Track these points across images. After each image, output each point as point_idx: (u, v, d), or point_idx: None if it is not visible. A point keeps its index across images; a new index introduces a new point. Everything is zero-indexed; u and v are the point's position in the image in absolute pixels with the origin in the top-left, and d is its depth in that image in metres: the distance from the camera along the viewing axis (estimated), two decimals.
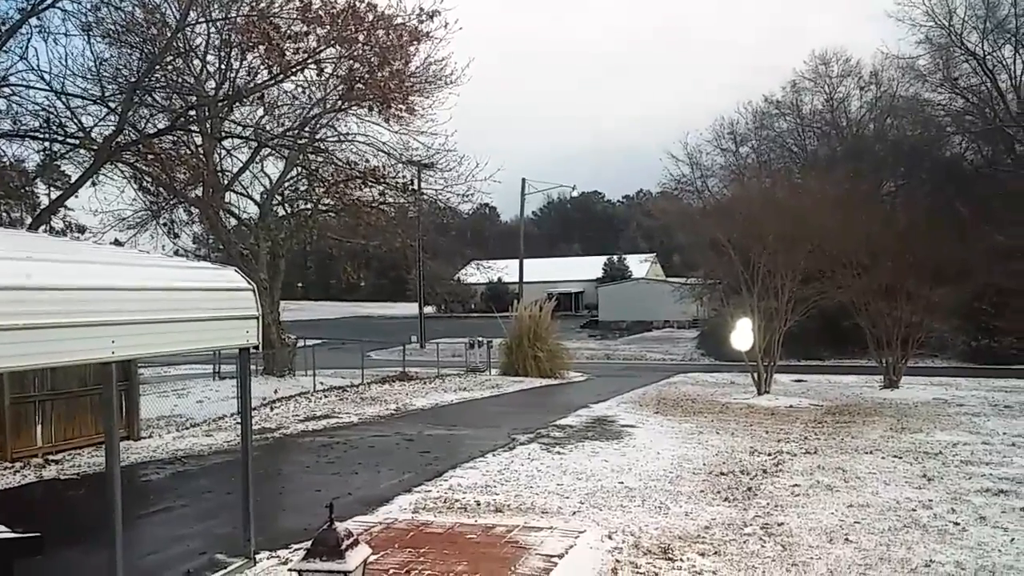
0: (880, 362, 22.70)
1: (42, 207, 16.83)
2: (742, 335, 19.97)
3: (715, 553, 7.27)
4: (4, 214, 16.27)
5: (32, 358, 5.51)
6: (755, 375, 20.85)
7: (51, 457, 12.18)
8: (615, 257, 79.07)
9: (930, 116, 38.75)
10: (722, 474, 10.79)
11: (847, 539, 7.70)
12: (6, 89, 15.18)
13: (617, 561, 6.98)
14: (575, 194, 70.53)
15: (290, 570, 5.21)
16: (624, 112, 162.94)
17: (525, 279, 47.29)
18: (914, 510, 8.76)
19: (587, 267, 77.88)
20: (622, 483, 10.21)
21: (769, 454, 12.25)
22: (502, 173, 26.27)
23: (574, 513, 8.68)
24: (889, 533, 7.88)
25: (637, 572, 6.73)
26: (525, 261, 48.46)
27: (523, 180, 46.94)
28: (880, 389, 21.74)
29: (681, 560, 7.04)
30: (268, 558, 7.05)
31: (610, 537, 7.69)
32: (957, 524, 8.17)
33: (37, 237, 11.79)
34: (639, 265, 72.79)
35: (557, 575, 6.56)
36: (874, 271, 21.13)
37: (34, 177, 17.40)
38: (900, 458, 11.79)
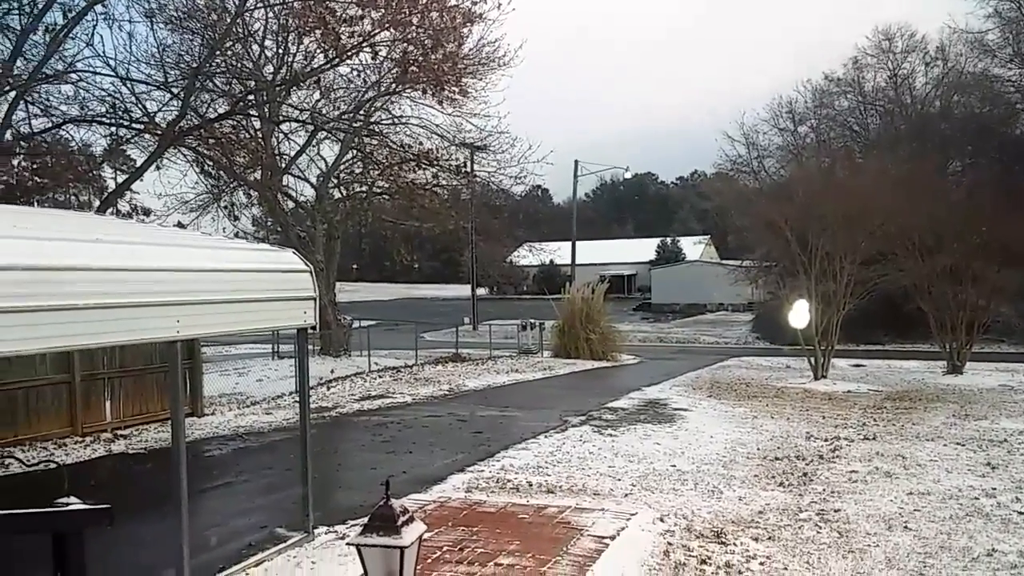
0: (943, 347, 22.10)
1: (109, 190, 17.36)
2: (799, 313, 19.63)
3: (769, 538, 7.22)
4: (73, 197, 16.85)
5: (102, 336, 5.75)
6: (812, 359, 20.48)
7: (119, 432, 12.66)
8: (668, 239, 78.25)
9: (999, 93, 37.26)
10: (777, 459, 10.67)
11: (906, 527, 7.56)
12: (74, 75, 15.65)
13: (669, 544, 6.98)
14: (628, 176, 69.80)
15: (348, 544, 5.35)
16: (679, 93, 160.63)
17: (577, 261, 47.14)
18: (977, 498, 8.55)
19: (640, 249, 77.27)
20: (674, 466, 10.18)
21: (826, 440, 12.06)
22: (555, 155, 26.21)
23: (626, 495, 8.70)
24: (950, 521, 7.71)
25: (689, 555, 6.72)
26: (577, 243, 48.30)
27: (575, 162, 46.73)
28: (943, 375, 21.18)
29: (734, 544, 7.01)
30: (326, 532, 7.24)
31: (662, 520, 7.68)
32: (1022, 513, 7.96)
33: (105, 220, 12.19)
34: (693, 247, 71.75)
35: (609, 556, 6.59)
36: (938, 253, 20.53)
37: (101, 161, 17.96)
38: (963, 445, 11.50)
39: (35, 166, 15.68)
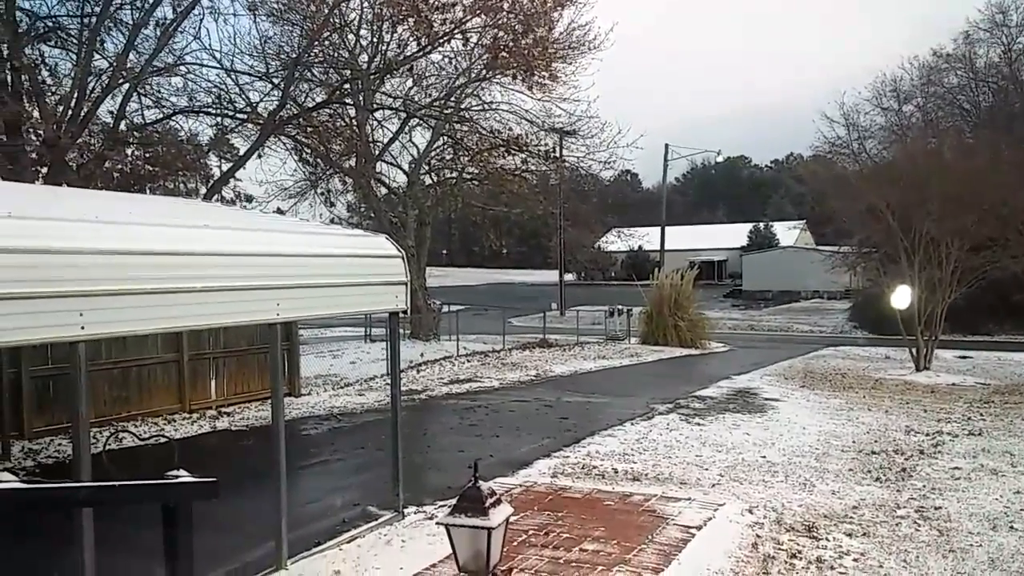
0: None
1: (215, 178, 18.17)
2: (901, 296, 18.86)
3: (864, 534, 7.02)
4: (182, 185, 17.69)
5: (208, 318, 6.08)
6: (913, 350, 19.65)
7: (223, 409, 13.32)
8: (761, 224, 76.13)
9: None
10: (874, 453, 10.32)
11: (1012, 527, 7.22)
12: (182, 68, 16.44)
13: (758, 536, 6.89)
14: (720, 159, 68.09)
15: (437, 524, 5.50)
16: (774, 73, 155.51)
17: (667, 247, 46.43)
18: None
19: (731, 235, 75.47)
20: (764, 457, 9.99)
21: (927, 434, 11.59)
22: (645, 139, 25.79)
23: (713, 485, 8.60)
24: None
25: (779, 548, 6.61)
26: (667, 229, 47.55)
27: (666, 146, 45.83)
28: None
29: (826, 539, 6.85)
30: (415, 512, 7.45)
31: (751, 511, 7.57)
32: None
33: (212, 207, 12.77)
34: (787, 232, 69.59)
35: (695, 546, 6.55)
36: None
37: (207, 150, 18.79)
38: None
39: (147, 155, 16.57)
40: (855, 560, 6.38)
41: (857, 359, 22.73)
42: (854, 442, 10.98)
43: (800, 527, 7.17)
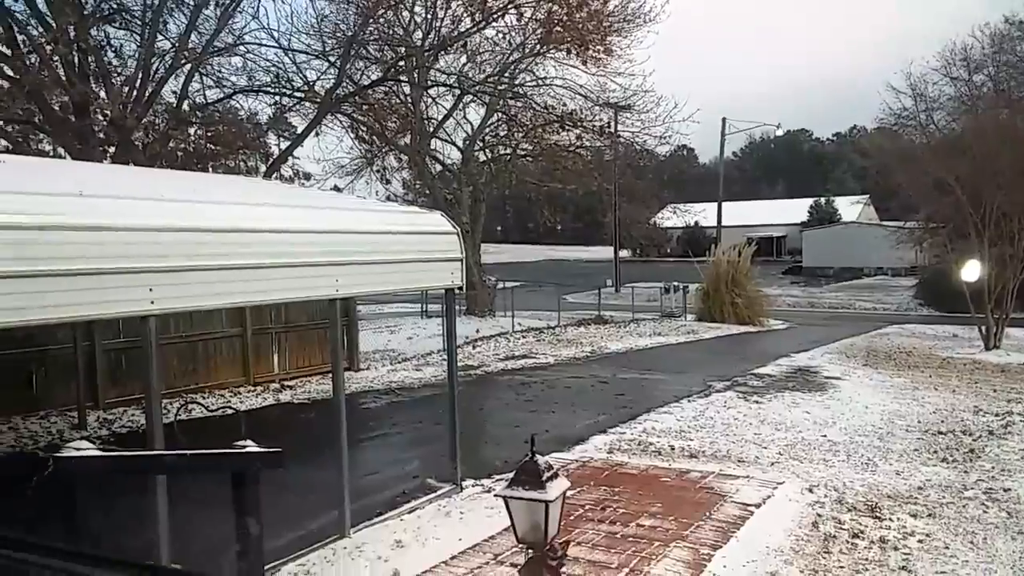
0: None
1: (273, 157, 18.49)
2: (970, 271, 18.27)
3: (929, 515, 6.86)
4: (242, 163, 18.05)
5: (270, 294, 6.22)
6: (983, 328, 19.02)
7: (286, 383, 13.65)
8: (822, 199, 74.14)
9: None
10: (940, 433, 10.06)
11: None
12: (242, 48, 16.74)
13: (818, 515, 6.79)
14: (780, 133, 66.31)
15: (495, 496, 5.56)
16: (837, 44, 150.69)
17: (724, 223, 45.67)
18: None
19: (791, 210, 73.72)
20: (825, 436, 9.82)
21: (997, 414, 11.23)
22: (701, 113, 25.42)
23: (772, 464, 8.50)
24: None
25: (840, 528, 6.51)
26: (724, 204, 46.73)
27: (723, 120, 44.93)
28: None
29: (890, 520, 6.72)
30: (473, 485, 7.54)
31: (811, 490, 7.46)
32: None
33: (272, 184, 13.03)
34: (849, 207, 67.65)
35: (754, 524, 6.50)
36: None
37: (267, 129, 19.12)
38: None
39: (209, 134, 16.94)
40: (920, 541, 6.24)
41: (923, 337, 22.12)
42: (919, 422, 10.71)
43: (862, 507, 7.05)
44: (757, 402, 12.03)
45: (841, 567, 5.77)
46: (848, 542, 6.22)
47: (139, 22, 15.32)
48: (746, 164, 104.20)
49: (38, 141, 15.78)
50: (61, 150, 14.70)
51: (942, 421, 10.76)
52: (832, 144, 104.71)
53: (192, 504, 5.02)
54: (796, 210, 73.24)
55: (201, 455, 4.30)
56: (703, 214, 54.96)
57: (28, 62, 13.50)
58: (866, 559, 5.92)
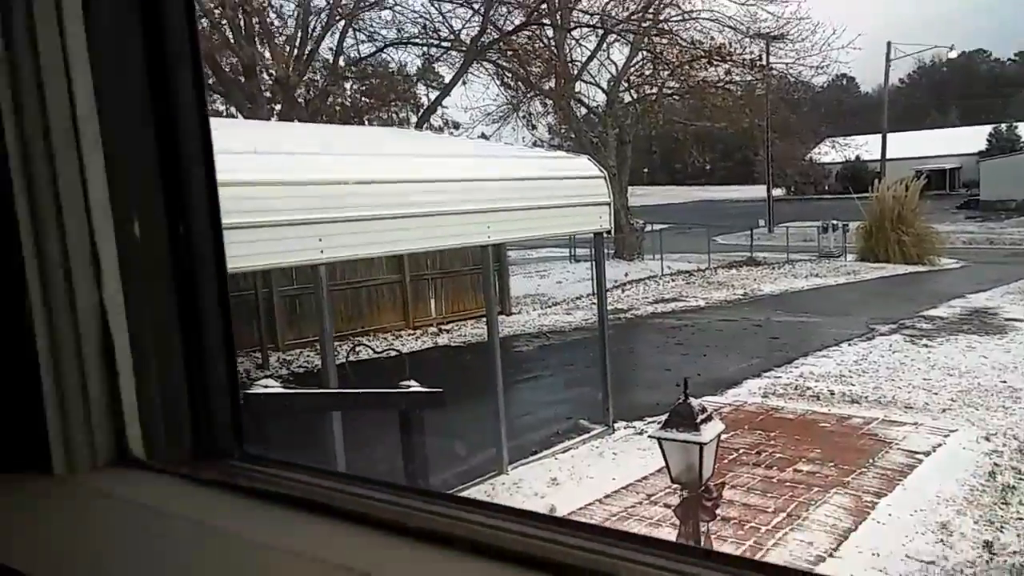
0: None
1: (424, 107, 18.97)
2: None
3: None
4: (394, 115, 18.64)
5: (426, 241, 6.51)
6: None
7: (442, 327, 14.22)
8: (1003, 126, 67.42)
9: None
10: None
11: None
12: (390, 0, 17.15)
13: (996, 465, 6.41)
14: (953, 55, 60.62)
15: (650, 437, 5.63)
16: None
17: (889, 156, 42.61)
18: None
19: (966, 139, 67.50)
20: (1004, 382, 9.15)
21: None
22: (864, 39, 23.77)
23: (944, 411, 8.05)
24: None
25: (1020, 479, 6.12)
26: (889, 136, 43.54)
27: (888, 44, 41.48)
28: None
29: None
30: (624, 427, 7.65)
31: (988, 439, 7.03)
32: None
33: (423, 135, 13.43)
34: None
35: (922, 472, 6.24)
36: None
37: (416, 80, 19.61)
38: None
39: (363, 88, 17.59)
40: None
41: None
42: None
43: None
44: (927, 346, 11.35)
45: (1021, 518, 5.45)
46: None
47: None
48: (915, 92, 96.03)
49: (212, 103, 16.95)
50: (233, 109, 15.73)
51: None
52: (1014, 64, 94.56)
53: (365, 437, 5.40)
54: (972, 139, 67.00)
55: (372, 393, 4.63)
56: (865, 147, 51.43)
57: (200, 26, 14.46)
58: None
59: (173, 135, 0.79)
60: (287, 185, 5.17)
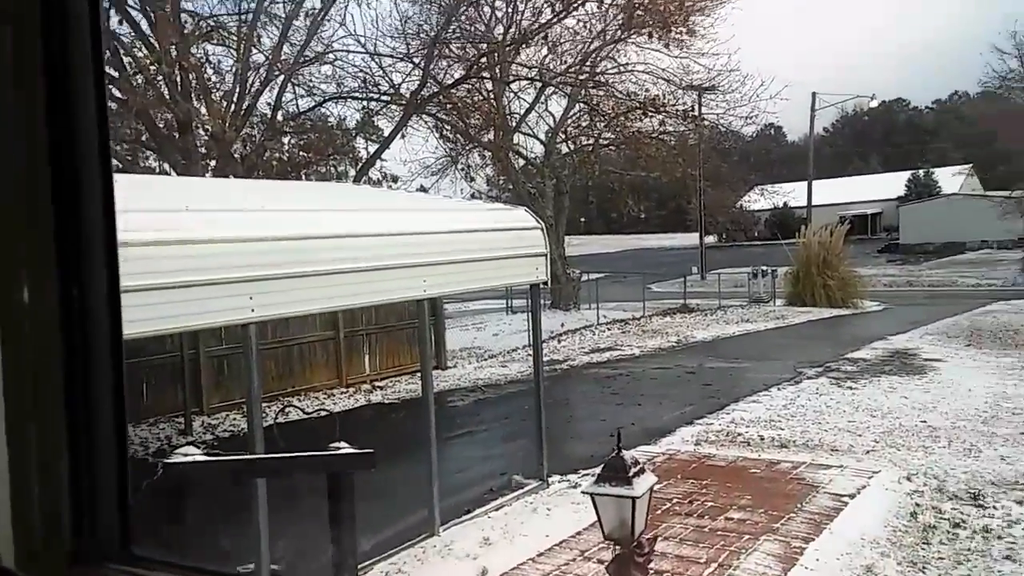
0: None
1: (362, 161, 19.01)
2: None
3: None
4: (333, 169, 18.61)
5: (361, 297, 6.48)
6: None
7: (376, 384, 14.08)
8: (921, 172, 70.70)
9: None
10: None
11: None
12: (330, 55, 17.25)
13: (917, 505, 6.62)
14: (874, 104, 63.48)
15: (582, 492, 5.66)
16: (933, 7, 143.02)
17: (814, 202, 44.14)
18: None
19: (886, 185, 70.57)
20: (924, 422, 9.51)
21: None
22: (789, 90, 24.78)
23: (867, 452, 8.31)
24: None
25: (940, 518, 6.33)
26: (815, 183, 45.18)
27: (812, 95, 43.35)
28: None
29: (994, 508, 6.50)
30: (559, 481, 7.65)
31: (909, 479, 7.28)
32: None
33: (361, 189, 13.44)
34: (950, 179, 64.32)
35: (848, 515, 6.40)
36: None
37: (355, 134, 19.66)
38: None
39: (302, 143, 17.56)
40: None
41: None
42: None
43: (964, 495, 6.83)
44: (851, 388, 11.72)
45: (941, 558, 5.63)
46: (949, 532, 6.06)
47: (235, 38, 15.97)
48: (838, 139, 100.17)
49: (144, 159, 16.68)
50: (167, 166, 15.50)
51: None
52: (931, 112, 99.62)
53: (291, 502, 5.31)
54: (892, 185, 70.08)
55: (298, 458, 4.57)
56: (792, 194, 53.24)
57: (134, 83, 14.28)
58: (968, 549, 5.76)
59: (74, 194, 0.75)
60: (216, 243, 5.13)
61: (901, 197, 66.39)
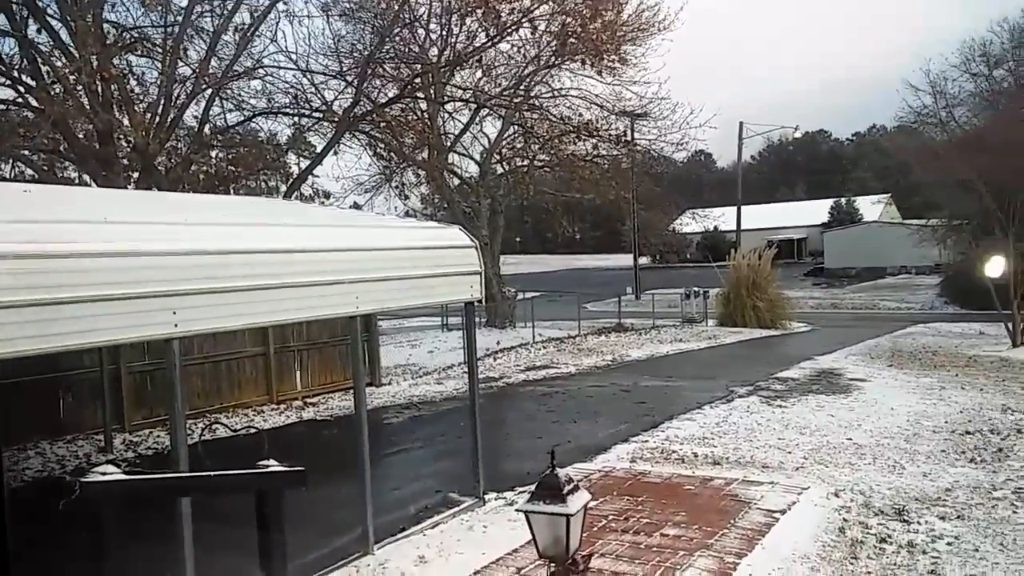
0: None
1: (293, 176, 18.68)
2: (995, 266, 18.09)
3: (958, 517, 6.79)
4: (263, 184, 18.23)
5: (292, 313, 6.30)
6: (1009, 325, 18.78)
7: (308, 400, 13.75)
8: (843, 200, 73.50)
9: None
10: (968, 433, 9.94)
11: None
12: (261, 71, 16.93)
13: (845, 520, 6.74)
14: (798, 135, 65.89)
15: (516, 510, 5.58)
16: (856, 43, 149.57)
17: (743, 226, 45.46)
18: None
19: (811, 211, 73.15)
20: (850, 439, 9.74)
21: None
22: (719, 118, 25.57)
23: (797, 469, 8.45)
24: None
25: (867, 533, 6.46)
26: (743, 208, 46.52)
27: (740, 124, 44.74)
28: None
29: (918, 523, 6.66)
30: (495, 499, 7.56)
31: (837, 495, 7.42)
32: None
33: (291, 204, 13.18)
34: (870, 207, 67.02)
35: (779, 531, 6.47)
36: None
37: (286, 150, 19.34)
38: None
39: (230, 157, 17.16)
40: (949, 544, 6.18)
41: (949, 336, 21.87)
42: (947, 422, 10.60)
43: (890, 511, 6.99)
44: (781, 406, 11.96)
45: (868, 573, 5.73)
46: (876, 547, 6.17)
47: (160, 50, 15.56)
48: (764, 167, 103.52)
49: (63, 169, 16.05)
50: (87, 177, 14.94)
51: (969, 421, 10.64)
52: (851, 144, 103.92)
53: (217, 522, 5.09)
54: (816, 211, 72.69)
55: (225, 476, 4.35)
56: (722, 218, 54.66)
57: (52, 92, 13.76)
58: (894, 564, 5.87)
59: None
60: (137, 256, 4.91)
61: (825, 223, 68.85)
